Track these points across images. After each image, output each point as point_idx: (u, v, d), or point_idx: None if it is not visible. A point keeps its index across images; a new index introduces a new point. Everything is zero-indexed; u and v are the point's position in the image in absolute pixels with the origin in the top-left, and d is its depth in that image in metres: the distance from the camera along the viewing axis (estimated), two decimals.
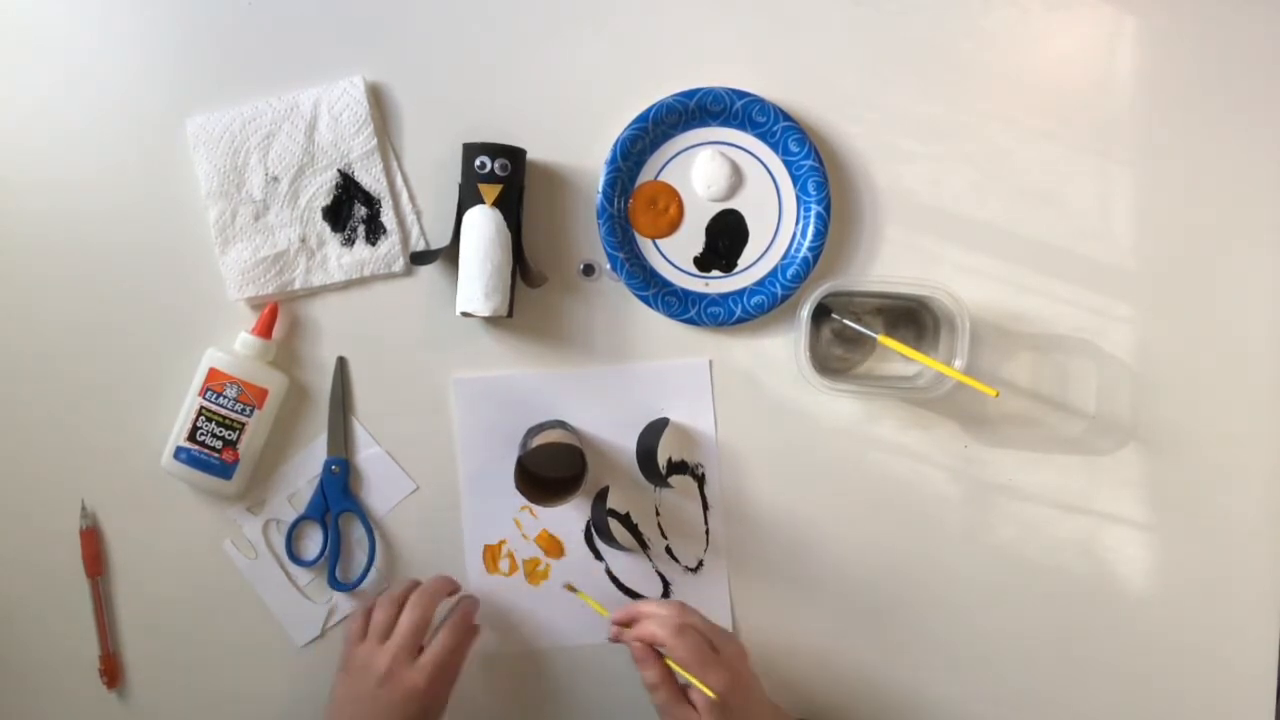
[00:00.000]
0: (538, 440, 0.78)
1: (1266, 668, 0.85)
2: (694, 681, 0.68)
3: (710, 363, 0.83)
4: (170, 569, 0.83)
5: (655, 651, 0.70)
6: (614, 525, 0.84)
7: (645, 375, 0.83)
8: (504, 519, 0.84)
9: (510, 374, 0.83)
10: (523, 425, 0.83)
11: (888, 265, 0.84)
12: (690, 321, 0.82)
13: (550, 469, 0.82)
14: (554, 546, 0.84)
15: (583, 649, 0.85)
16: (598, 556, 0.85)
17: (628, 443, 0.83)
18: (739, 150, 0.82)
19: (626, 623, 0.73)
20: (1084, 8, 0.83)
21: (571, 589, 0.82)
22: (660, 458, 0.83)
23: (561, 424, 0.82)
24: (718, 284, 0.83)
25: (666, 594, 0.85)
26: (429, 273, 0.82)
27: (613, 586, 0.84)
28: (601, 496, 0.83)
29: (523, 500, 0.77)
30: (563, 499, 0.78)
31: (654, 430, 0.82)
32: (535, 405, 0.83)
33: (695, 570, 0.85)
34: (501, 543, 0.84)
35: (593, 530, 0.84)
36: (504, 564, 0.84)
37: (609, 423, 0.83)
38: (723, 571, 0.84)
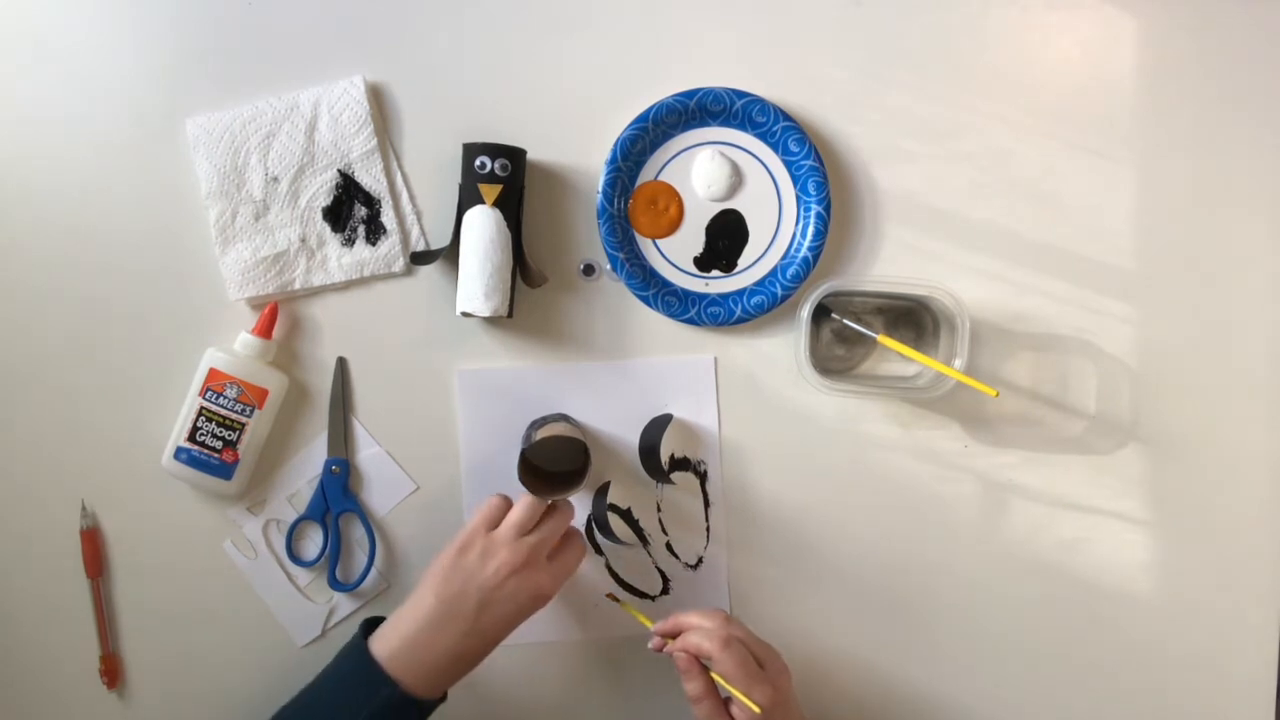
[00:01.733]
0: (541, 433, 0.78)
1: (1266, 667, 0.85)
2: (738, 696, 0.68)
3: (715, 360, 0.83)
4: (170, 569, 0.83)
5: (700, 663, 0.70)
6: (615, 520, 0.84)
7: (649, 371, 0.83)
8: None
9: (514, 366, 0.83)
10: (525, 419, 0.83)
11: (888, 265, 0.84)
12: (690, 321, 0.82)
13: (553, 462, 0.82)
14: None
15: (582, 645, 0.85)
16: (598, 551, 0.85)
17: (630, 438, 0.83)
18: (739, 150, 0.82)
19: (671, 633, 0.73)
20: (1084, 8, 0.83)
21: (614, 598, 0.82)
22: (663, 454, 0.83)
23: (565, 418, 0.82)
24: (718, 284, 0.83)
25: (666, 591, 0.85)
26: (429, 273, 0.82)
27: (612, 581, 0.85)
28: (603, 491, 0.83)
29: (524, 493, 0.77)
30: (565, 492, 0.78)
31: (657, 426, 0.82)
32: (538, 399, 0.83)
33: (695, 567, 0.85)
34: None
35: (593, 524, 0.84)
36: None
37: (612, 418, 0.83)
38: (723, 569, 0.85)
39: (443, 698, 0.73)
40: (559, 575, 0.74)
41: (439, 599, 0.71)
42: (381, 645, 0.70)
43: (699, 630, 0.70)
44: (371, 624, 0.73)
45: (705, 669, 0.70)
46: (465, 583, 0.71)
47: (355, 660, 0.71)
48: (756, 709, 0.67)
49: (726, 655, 0.68)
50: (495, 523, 0.74)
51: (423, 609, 0.71)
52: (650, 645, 0.73)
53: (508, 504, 0.75)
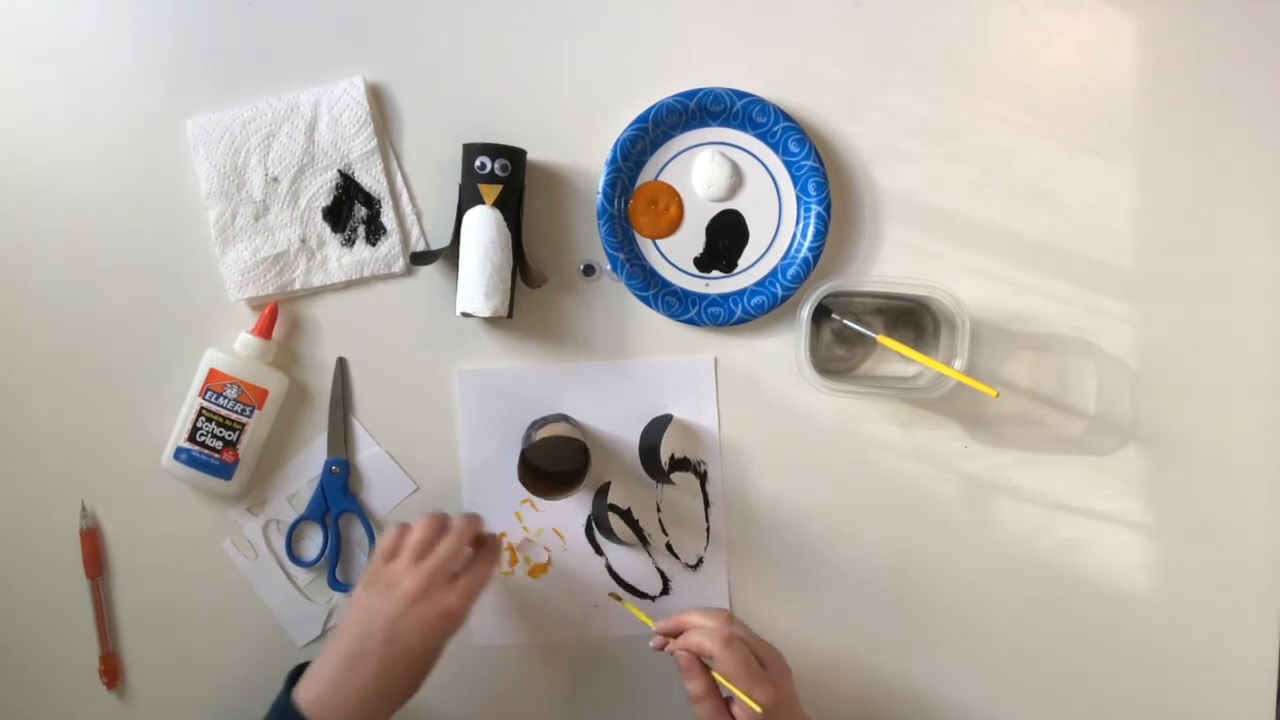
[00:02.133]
0: (541, 433, 0.78)
1: (1266, 667, 0.85)
2: (740, 695, 0.68)
3: (715, 360, 0.83)
4: (170, 569, 0.83)
5: (701, 663, 0.69)
6: (615, 520, 0.84)
7: (649, 372, 0.83)
8: (505, 512, 0.84)
9: (514, 367, 0.83)
10: (525, 419, 0.83)
11: (888, 265, 0.84)
12: (690, 322, 0.82)
13: (553, 463, 0.82)
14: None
15: (581, 644, 0.85)
16: (598, 551, 0.85)
17: (630, 438, 0.83)
18: (739, 150, 0.82)
19: (672, 632, 0.73)
20: (1084, 8, 0.83)
21: (616, 598, 0.83)
22: (663, 454, 0.83)
23: (565, 418, 0.82)
24: (718, 284, 0.83)
25: (666, 591, 0.85)
26: (429, 273, 0.82)
27: (612, 581, 0.85)
28: (603, 491, 0.83)
29: (524, 493, 0.77)
30: (565, 492, 0.78)
31: (658, 426, 0.82)
32: (538, 399, 0.83)
33: (695, 567, 0.85)
34: (501, 535, 0.84)
35: (593, 525, 0.84)
36: (504, 557, 0.84)
37: (612, 418, 0.83)
38: (722, 569, 0.85)
39: None
40: (466, 592, 0.72)
41: (349, 638, 0.70)
42: (305, 693, 0.69)
43: (701, 629, 0.70)
44: (298, 672, 0.72)
45: (707, 668, 0.70)
46: (370, 618, 0.70)
47: (280, 713, 0.70)
48: (758, 708, 0.67)
49: (728, 654, 0.68)
50: (395, 552, 0.73)
51: (337, 652, 0.70)
52: (652, 644, 0.73)
53: (400, 532, 0.74)
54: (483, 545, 0.76)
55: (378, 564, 0.73)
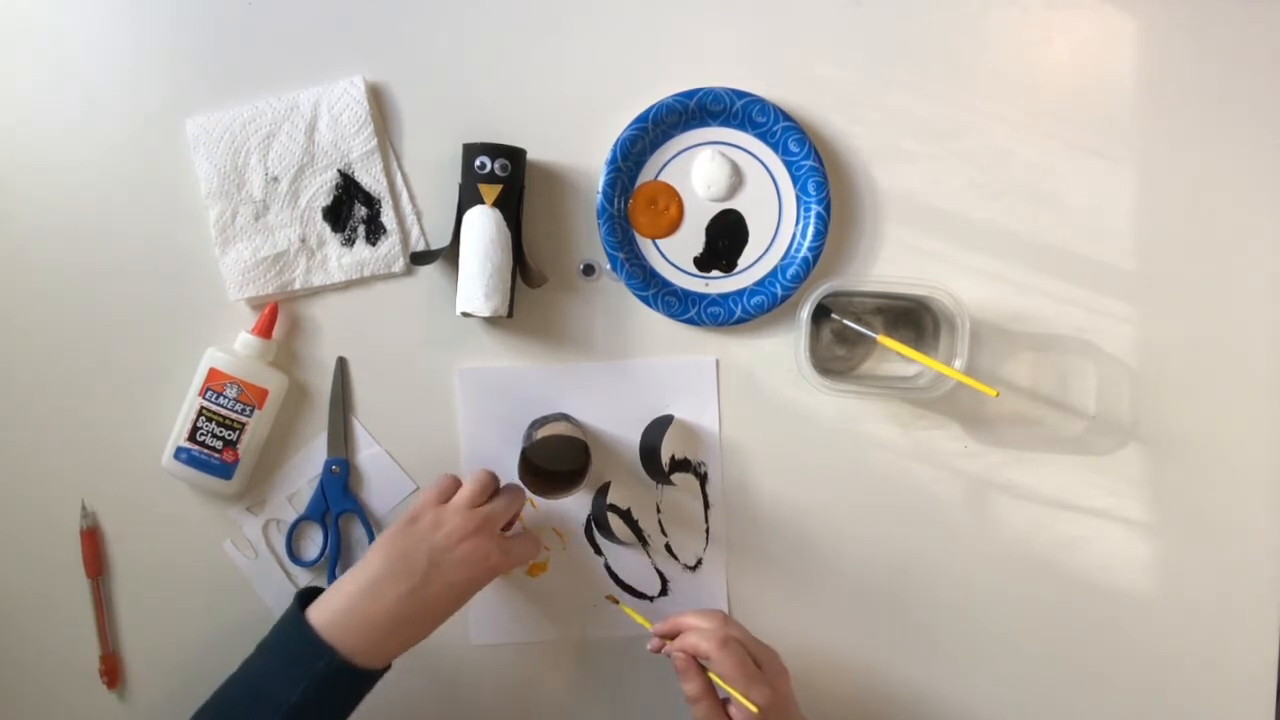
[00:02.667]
0: (542, 432, 0.78)
1: (1266, 667, 0.85)
2: (736, 696, 0.68)
3: (717, 361, 0.83)
4: (170, 569, 0.83)
5: (698, 664, 0.70)
6: (614, 520, 0.84)
7: (650, 372, 0.83)
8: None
9: (515, 366, 0.83)
10: (526, 418, 0.83)
11: (888, 265, 0.84)
12: (690, 321, 0.82)
13: (554, 461, 0.82)
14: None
15: (580, 643, 0.85)
16: (597, 551, 0.85)
17: (631, 438, 0.83)
18: (739, 150, 0.82)
19: (669, 634, 0.73)
20: (1084, 8, 0.83)
21: (614, 600, 0.83)
22: (664, 455, 0.83)
23: (566, 417, 0.82)
24: (718, 284, 0.83)
25: (664, 591, 0.85)
26: (429, 273, 0.82)
27: (610, 581, 0.85)
28: (603, 491, 0.83)
29: (525, 492, 0.78)
30: (565, 492, 0.78)
31: (659, 427, 0.82)
32: (539, 399, 0.83)
33: (694, 568, 0.85)
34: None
35: (593, 524, 0.84)
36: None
37: (613, 418, 0.83)
38: (721, 570, 0.85)
39: (386, 668, 0.71)
40: (511, 554, 0.74)
41: (386, 558, 0.70)
42: (319, 612, 0.69)
43: (697, 631, 0.71)
44: (307, 594, 0.72)
45: (703, 669, 0.70)
46: (416, 544, 0.70)
47: (290, 629, 0.69)
48: (754, 709, 0.67)
49: (724, 655, 0.68)
50: (447, 496, 0.74)
51: (367, 571, 0.70)
52: (649, 646, 0.74)
53: (458, 483, 0.75)
54: (524, 533, 0.77)
55: (428, 501, 0.73)
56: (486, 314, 0.77)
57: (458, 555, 0.70)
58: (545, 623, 0.85)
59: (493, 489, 0.75)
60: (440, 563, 0.70)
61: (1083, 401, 0.85)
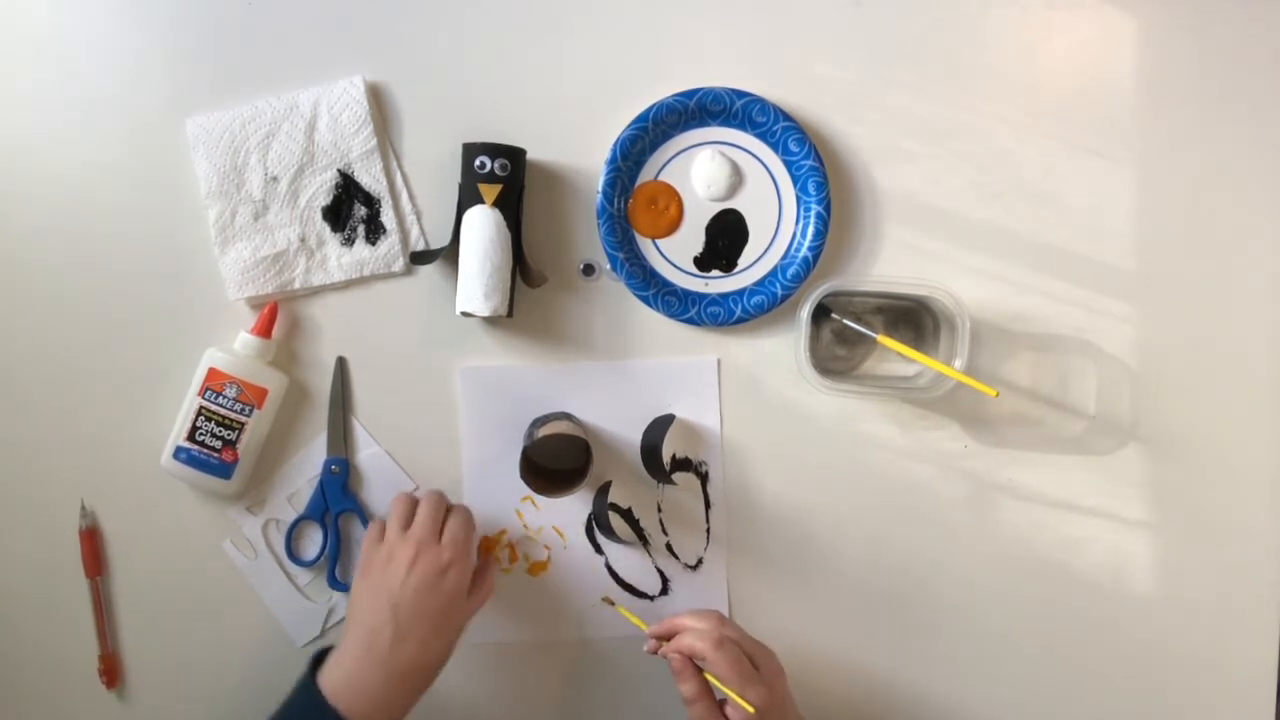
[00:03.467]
0: (543, 431, 0.78)
1: (1266, 667, 0.85)
2: (732, 696, 0.68)
3: (719, 361, 0.83)
4: (170, 569, 0.83)
5: (694, 665, 0.70)
6: (615, 519, 0.84)
7: (652, 372, 0.83)
8: (506, 509, 0.84)
9: (517, 365, 0.83)
10: (527, 417, 0.83)
11: (888, 265, 0.84)
12: (690, 321, 0.82)
13: (555, 460, 0.82)
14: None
15: (580, 642, 0.85)
16: (598, 550, 0.85)
17: (632, 438, 0.83)
18: (739, 150, 0.82)
19: (665, 635, 0.73)
20: (1084, 8, 0.83)
21: (610, 602, 0.83)
22: (665, 454, 0.83)
23: (567, 416, 0.82)
24: (718, 284, 0.83)
25: (665, 591, 0.85)
26: (429, 272, 0.82)
27: (611, 581, 0.85)
28: (604, 490, 0.83)
29: (525, 491, 0.78)
30: (566, 490, 0.78)
31: (660, 426, 0.82)
32: (541, 397, 0.83)
33: (695, 568, 0.85)
34: (501, 533, 0.84)
35: (594, 523, 0.84)
36: (503, 555, 0.84)
37: (614, 418, 0.83)
38: (722, 569, 0.85)
39: None
40: (453, 541, 0.73)
41: (359, 622, 0.71)
42: (327, 679, 0.70)
43: (693, 632, 0.70)
44: (321, 656, 0.72)
45: (699, 670, 0.70)
46: (374, 597, 0.71)
47: (303, 698, 0.70)
48: (750, 709, 0.67)
49: (720, 656, 0.68)
50: (380, 536, 0.75)
51: (353, 636, 0.71)
52: (645, 648, 0.74)
53: (380, 528, 0.76)
54: (451, 510, 0.77)
55: (368, 550, 0.75)
56: (486, 314, 0.77)
57: (412, 584, 0.71)
58: (545, 622, 0.85)
59: (412, 501, 0.76)
60: (400, 601, 0.70)
61: (1083, 401, 0.85)
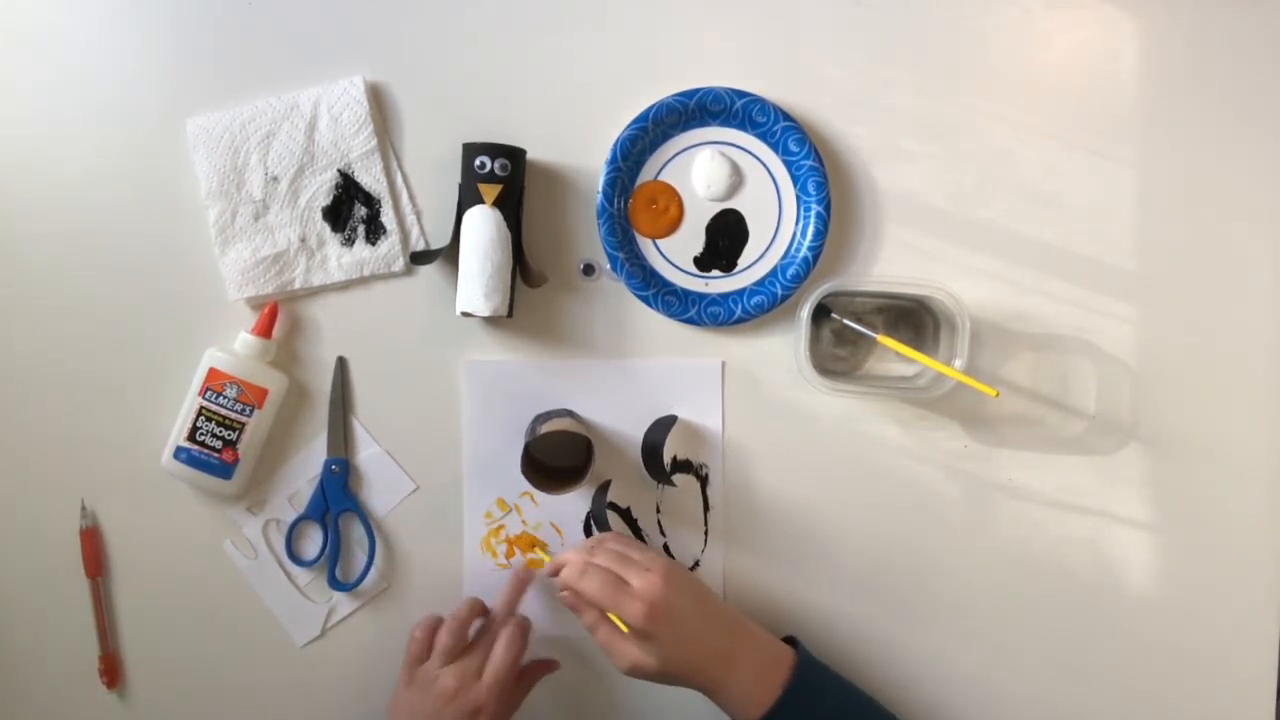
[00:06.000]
0: (546, 428, 0.78)
1: (1267, 667, 0.85)
2: (614, 620, 0.70)
3: (723, 364, 0.83)
4: (170, 569, 0.83)
5: (580, 597, 0.72)
6: (614, 519, 0.84)
7: (656, 373, 0.83)
8: (504, 505, 0.84)
9: (521, 361, 0.83)
10: (529, 413, 0.83)
11: (888, 265, 0.84)
12: (690, 321, 0.82)
13: (556, 457, 0.82)
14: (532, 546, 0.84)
15: (578, 640, 0.85)
16: None
17: (634, 438, 0.83)
18: (739, 150, 0.82)
19: (555, 574, 0.75)
20: (1084, 8, 0.83)
21: (538, 553, 0.84)
22: (665, 455, 0.83)
23: (570, 413, 0.82)
24: (718, 284, 0.83)
25: None
26: (429, 272, 0.82)
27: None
28: (604, 489, 0.83)
29: (525, 486, 0.78)
30: (567, 487, 0.78)
31: (661, 427, 0.82)
32: (544, 395, 0.83)
33: (692, 569, 0.85)
34: (499, 529, 0.84)
35: (592, 521, 0.84)
36: (500, 550, 0.84)
37: (616, 417, 0.83)
38: (719, 572, 0.84)
39: None
40: (493, 685, 0.74)
41: None
42: None
43: (568, 565, 0.73)
44: None
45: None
46: (413, 714, 0.74)
47: None
48: (624, 628, 0.69)
49: (585, 582, 0.71)
50: (425, 654, 0.76)
51: None
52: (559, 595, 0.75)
53: (430, 631, 0.77)
54: (501, 635, 0.76)
55: (412, 663, 0.76)
56: (486, 314, 0.77)
57: (446, 717, 0.73)
58: (542, 619, 0.84)
59: (473, 617, 0.78)
60: None
61: (1083, 401, 0.85)
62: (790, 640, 0.77)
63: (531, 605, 0.84)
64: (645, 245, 0.83)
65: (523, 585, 0.80)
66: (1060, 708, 0.86)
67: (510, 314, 0.79)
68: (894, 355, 0.83)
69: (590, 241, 0.83)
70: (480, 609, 0.79)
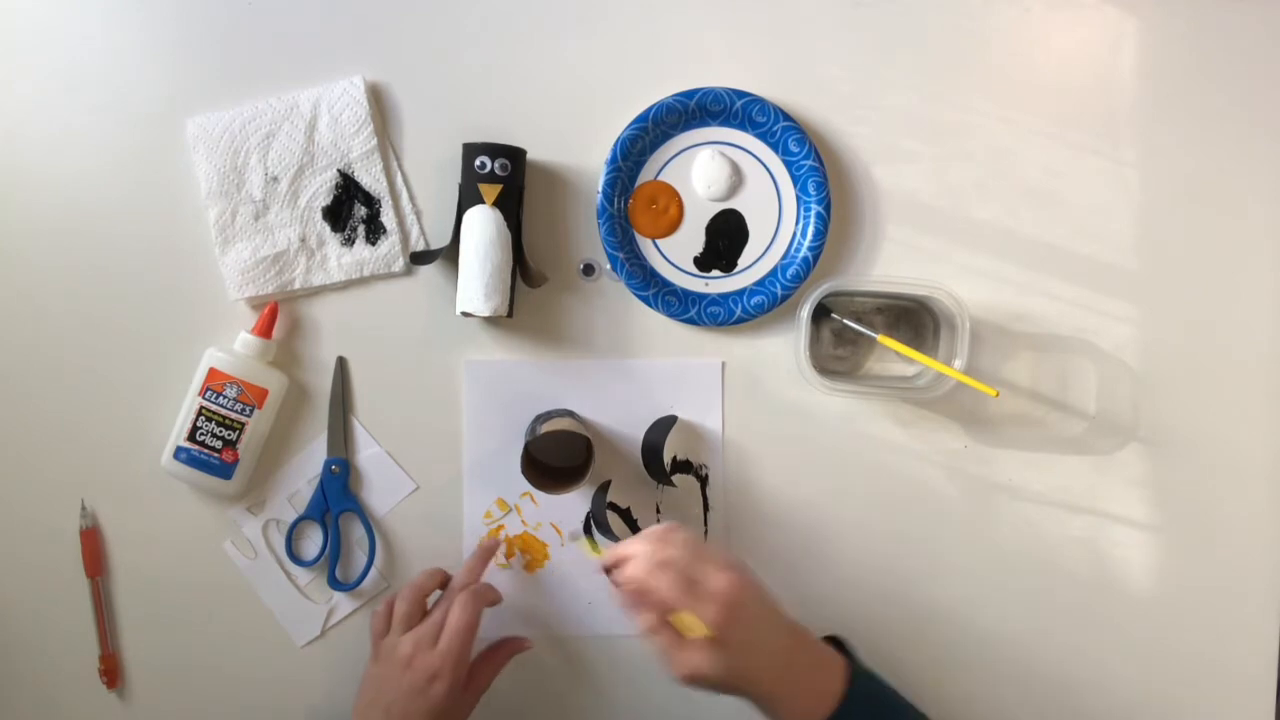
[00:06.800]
0: (546, 428, 0.78)
1: (1267, 668, 0.85)
2: (682, 625, 0.64)
3: (724, 364, 0.83)
4: (170, 569, 0.83)
5: (643, 595, 0.65)
6: (613, 519, 0.84)
7: (656, 373, 0.83)
8: (504, 505, 0.84)
9: (521, 361, 0.83)
10: (529, 413, 0.83)
11: (888, 265, 0.84)
12: (690, 321, 0.82)
13: (556, 457, 0.82)
14: (537, 548, 0.84)
15: (575, 639, 0.85)
16: (595, 549, 0.84)
17: (634, 438, 0.83)
18: (739, 150, 0.82)
19: (614, 566, 0.69)
20: (1085, 8, 0.83)
21: (583, 537, 0.82)
22: (665, 456, 0.83)
23: (570, 413, 0.82)
24: (718, 284, 0.83)
25: None
26: (429, 272, 0.82)
27: (607, 579, 0.84)
28: (603, 489, 0.83)
29: (525, 487, 0.78)
30: (566, 487, 0.78)
31: (661, 427, 0.82)
32: (544, 394, 0.83)
33: None
34: (499, 529, 0.84)
35: (592, 522, 0.84)
36: (500, 549, 0.84)
37: (616, 417, 0.83)
38: None
39: None
40: (446, 652, 0.72)
41: (361, 713, 0.74)
42: None
43: (634, 560, 0.66)
44: None
45: (650, 599, 0.65)
46: (377, 688, 0.74)
47: None
48: (703, 632, 0.63)
49: (659, 583, 0.64)
50: (386, 628, 0.76)
51: None
52: (611, 590, 0.69)
53: (389, 605, 0.77)
54: (455, 603, 0.75)
55: (375, 638, 0.77)
56: (486, 314, 0.77)
57: (405, 685, 0.72)
58: (541, 619, 0.84)
59: (432, 585, 0.78)
60: (393, 705, 0.72)
61: (1083, 401, 0.85)
62: (835, 641, 0.74)
63: (511, 604, 0.84)
64: (645, 245, 0.83)
65: (487, 555, 0.80)
66: (1060, 706, 0.86)
67: (510, 314, 0.79)
68: (894, 355, 0.83)
69: (590, 241, 0.83)
70: (441, 578, 0.79)
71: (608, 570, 0.70)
